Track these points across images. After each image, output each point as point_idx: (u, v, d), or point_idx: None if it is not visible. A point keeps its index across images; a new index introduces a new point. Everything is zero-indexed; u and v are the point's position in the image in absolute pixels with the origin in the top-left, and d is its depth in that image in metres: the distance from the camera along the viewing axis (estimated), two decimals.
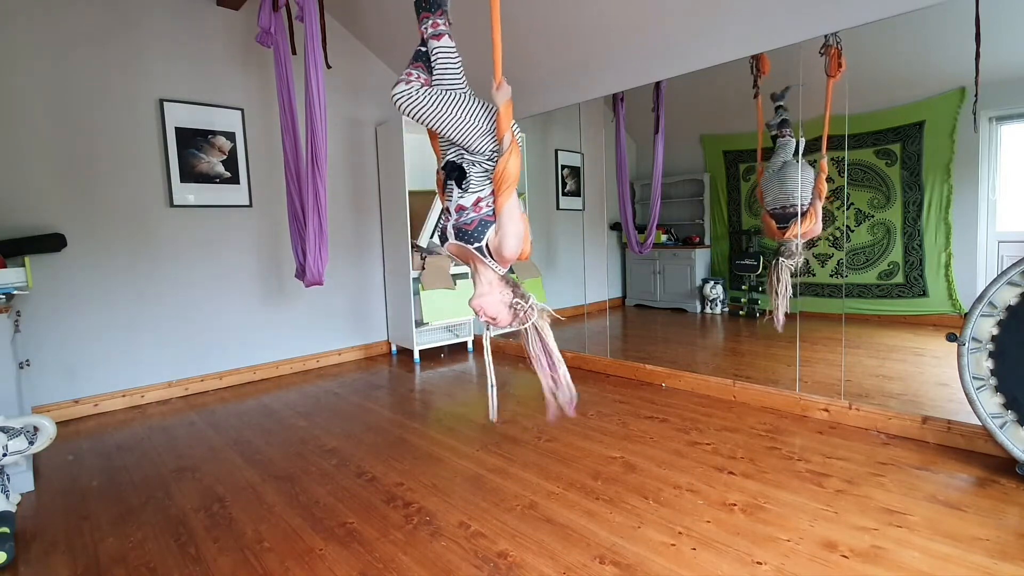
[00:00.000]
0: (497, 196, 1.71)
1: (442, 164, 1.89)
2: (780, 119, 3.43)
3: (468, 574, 1.61)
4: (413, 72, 1.78)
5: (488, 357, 1.88)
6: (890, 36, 2.91)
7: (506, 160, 1.69)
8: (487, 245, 1.75)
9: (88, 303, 3.24)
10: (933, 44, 3.00)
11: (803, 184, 3.22)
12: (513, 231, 1.71)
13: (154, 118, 3.43)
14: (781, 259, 3.23)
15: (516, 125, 1.76)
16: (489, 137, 1.76)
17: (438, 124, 1.75)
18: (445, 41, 1.80)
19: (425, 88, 1.74)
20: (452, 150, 1.85)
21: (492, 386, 1.90)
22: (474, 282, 1.84)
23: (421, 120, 1.75)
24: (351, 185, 4.42)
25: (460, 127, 1.74)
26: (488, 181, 1.77)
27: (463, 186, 1.78)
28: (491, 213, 1.75)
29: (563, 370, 1.77)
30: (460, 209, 1.79)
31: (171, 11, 3.48)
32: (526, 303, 1.76)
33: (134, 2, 3.34)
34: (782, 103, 3.42)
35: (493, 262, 1.77)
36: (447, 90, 1.77)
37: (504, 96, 1.72)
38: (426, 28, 1.82)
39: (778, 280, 3.21)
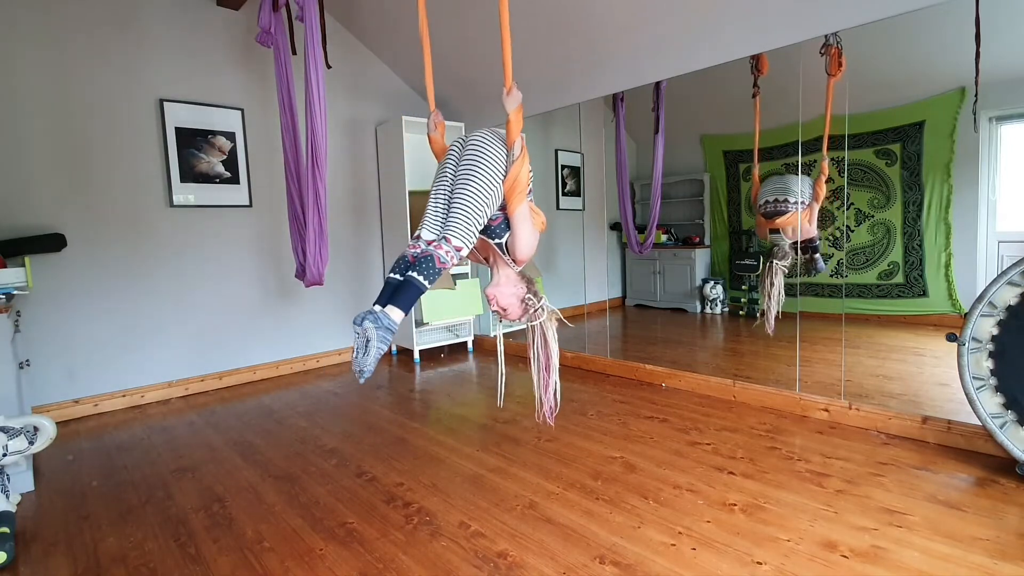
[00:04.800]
0: (509, 202, 1.74)
1: None
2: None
3: (468, 574, 1.61)
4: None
5: (500, 348, 2.09)
6: (890, 36, 2.91)
7: (518, 168, 1.71)
8: (506, 244, 1.83)
9: (88, 303, 3.24)
10: (933, 44, 2.99)
11: (799, 191, 3.21)
12: (526, 235, 1.78)
13: (154, 118, 3.43)
14: (774, 261, 3.23)
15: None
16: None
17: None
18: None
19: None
20: None
21: (502, 375, 2.08)
22: (492, 273, 1.96)
23: None
24: (351, 185, 4.42)
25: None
26: None
27: None
28: None
29: (555, 378, 1.89)
30: None
31: (171, 11, 3.48)
32: (538, 301, 1.88)
33: (134, 2, 3.35)
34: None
35: (510, 259, 1.87)
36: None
37: (514, 102, 1.72)
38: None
39: (771, 284, 3.22)
